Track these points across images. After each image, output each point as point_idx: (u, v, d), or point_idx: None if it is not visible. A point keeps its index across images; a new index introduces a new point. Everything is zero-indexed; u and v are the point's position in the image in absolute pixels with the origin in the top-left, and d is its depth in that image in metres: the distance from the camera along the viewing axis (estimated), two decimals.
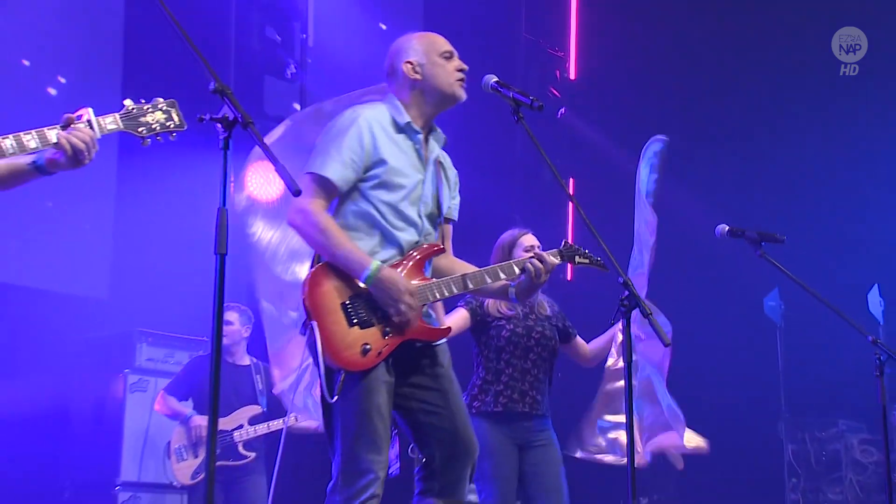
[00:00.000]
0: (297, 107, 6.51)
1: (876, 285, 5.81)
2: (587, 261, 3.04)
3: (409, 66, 2.73)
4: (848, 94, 6.91)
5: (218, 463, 4.20)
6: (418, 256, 2.66)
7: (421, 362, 2.76)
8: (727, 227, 3.65)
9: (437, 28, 3.10)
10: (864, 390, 5.03)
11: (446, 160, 2.88)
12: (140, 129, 2.38)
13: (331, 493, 2.56)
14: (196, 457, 4.76)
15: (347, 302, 2.59)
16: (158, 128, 2.41)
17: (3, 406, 5.01)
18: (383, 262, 2.56)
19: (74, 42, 6.33)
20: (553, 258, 2.85)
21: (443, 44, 2.82)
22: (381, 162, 2.55)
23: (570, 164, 7.17)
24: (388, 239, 2.63)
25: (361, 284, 2.54)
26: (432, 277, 2.72)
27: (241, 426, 4.77)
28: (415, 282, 2.62)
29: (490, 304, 3.73)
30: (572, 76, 7.62)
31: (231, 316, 4.79)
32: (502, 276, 2.81)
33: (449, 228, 2.92)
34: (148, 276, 5.74)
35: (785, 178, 6.99)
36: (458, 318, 3.64)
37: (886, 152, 6.75)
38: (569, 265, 3.47)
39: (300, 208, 2.53)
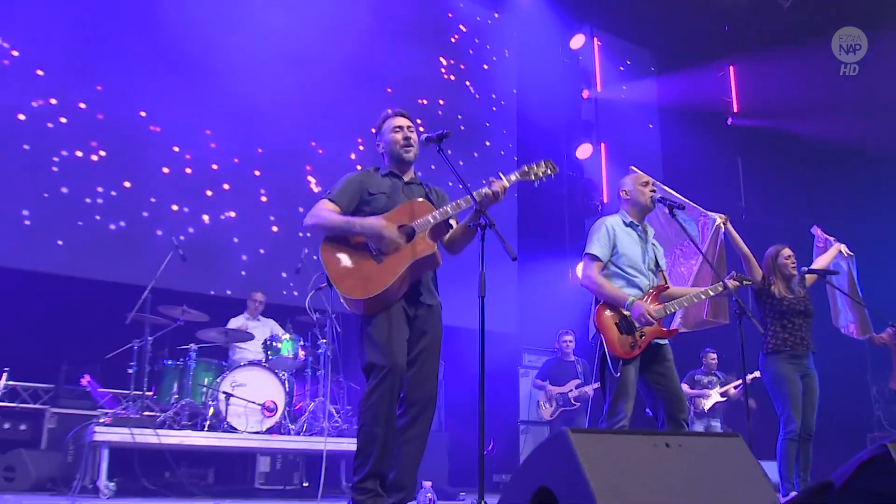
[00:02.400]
0: None
1: None
2: (750, 281, 5.23)
3: (624, 192, 4.74)
4: None
5: (561, 409, 8.45)
6: (654, 292, 4.50)
7: (657, 357, 4.47)
8: (806, 268, 5.90)
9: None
10: None
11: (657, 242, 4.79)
12: (531, 178, 3.91)
13: (601, 421, 4.36)
14: (551, 406, 8.54)
15: (618, 321, 4.42)
16: (542, 175, 3.91)
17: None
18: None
19: None
20: (735, 281, 4.72)
21: (644, 175, 4.77)
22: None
23: None
24: (631, 281, 4.51)
25: (625, 312, 4.36)
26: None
27: (571, 390, 8.54)
28: (653, 305, 4.39)
29: None
30: None
31: (568, 336, 8.85)
32: (711, 293, 4.64)
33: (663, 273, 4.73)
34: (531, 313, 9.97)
35: None
36: None
37: None
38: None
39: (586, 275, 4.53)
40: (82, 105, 8.11)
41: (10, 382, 7.19)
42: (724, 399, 9.04)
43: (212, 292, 8.37)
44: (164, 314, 6.89)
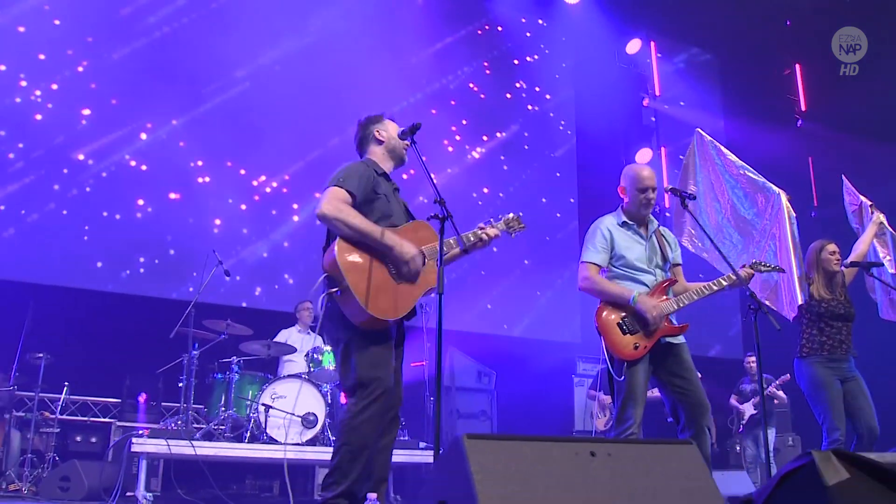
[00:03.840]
0: None
1: None
2: (770, 268, 4.57)
3: (621, 189, 4.41)
4: None
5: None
6: (660, 288, 4.23)
7: (671, 357, 4.16)
8: (849, 262, 5.50)
9: None
10: None
11: (666, 233, 4.51)
12: (509, 230, 4.08)
13: (611, 429, 4.24)
14: (605, 415, 8.34)
15: (620, 322, 4.17)
16: (517, 230, 4.09)
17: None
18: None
19: None
20: (750, 270, 4.40)
21: (645, 179, 4.36)
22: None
23: None
24: (636, 281, 4.27)
25: (629, 309, 4.10)
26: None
27: None
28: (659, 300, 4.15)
29: None
30: None
31: None
32: (716, 287, 4.27)
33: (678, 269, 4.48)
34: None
35: None
36: None
37: None
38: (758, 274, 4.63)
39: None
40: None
41: (82, 397, 7.52)
42: (757, 410, 8.72)
43: (258, 306, 8.52)
44: (210, 328, 7.04)
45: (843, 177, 6.31)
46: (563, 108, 11.31)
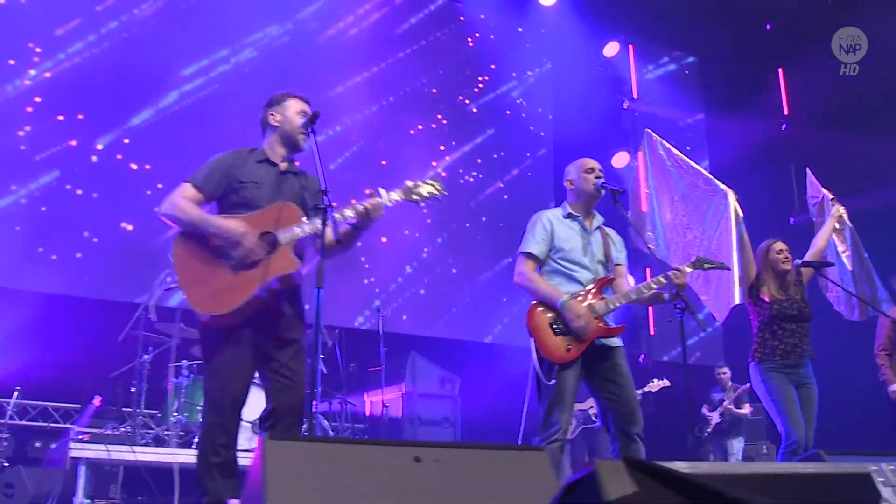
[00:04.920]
0: None
1: None
2: (714, 265, 4.30)
3: (568, 182, 4.34)
4: None
5: (581, 427, 8.09)
6: (595, 287, 4.10)
7: (605, 361, 4.01)
8: (800, 261, 5.28)
9: None
10: None
11: (612, 233, 4.37)
12: (413, 198, 3.53)
13: (536, 433, 3.93)
14: (571, 423, 8.36)
15: (553, 322, 4.00)
16: (427, 195, 3.54)
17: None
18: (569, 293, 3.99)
19: None
20: (687, 268, 4.12)
21: (591, 161, 4.31)
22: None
23: None
24: (571, 277, 4.15)
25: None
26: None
27: (591, 407, 8.05)
28: (595, 301, 4.02)
29: None
30: None
31: None
32: (654, 286, 4.07)
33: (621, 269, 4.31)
34: None
35: None
36: None
37: None
38: (700, 272, 4.57)
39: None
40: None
41: (41, 402, 7.40)
42: (722, 419, 8.66)
43: None
44: (162, 332, 6.93)
45: (808, 169, 6.15)
46: (539, 113, 11.19)
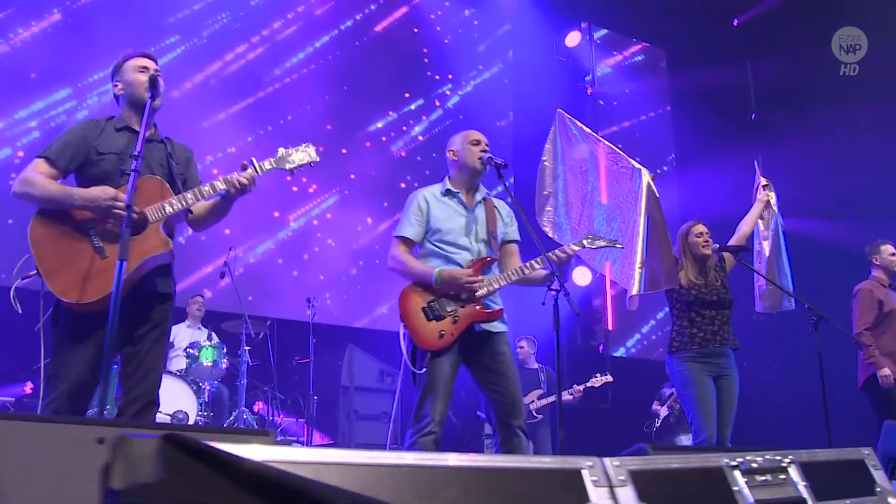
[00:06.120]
0: None
1: None
2: (605, 242, 4.08)
3: (451, 153, 4.08)
4: None
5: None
6: (474, 266, 3.84)
7: (485, 348, 3.79)
8: (717, 245, 5.09)
9: None
10: None
11: (500, 206, 4.13)
12: (287, 166, 3.31)
13: (409, 427, 3.65)
14: None
15: (425, 306, 3.78)
16: (300, 163, 3.33)
17: None
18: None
19: None
20: (573, 248, 3.92)
21: (476, 132, 4.07)
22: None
23: None
24: (449, 259, 3.89)
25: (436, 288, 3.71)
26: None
27: (533, 401, 7.95)
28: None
29: None
30: None
31: (522, 342, 8.26)
32: (537, 266, 3.83)
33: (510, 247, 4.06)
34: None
35: None
36: None
37: None
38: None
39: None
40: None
41: None
42: (670, 413, 8.44)
43: None
44: None
45: (755, 161, 5.99)
46: (499, 104, 11.03)
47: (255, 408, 7.38)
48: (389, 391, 7.98)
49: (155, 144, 3.44)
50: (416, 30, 10.72)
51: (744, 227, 5.43)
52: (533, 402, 7.98)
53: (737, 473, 1.66)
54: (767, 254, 5.46)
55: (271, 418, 7.17)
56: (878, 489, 1.95)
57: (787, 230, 5.60)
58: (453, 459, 1.41)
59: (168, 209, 3.20)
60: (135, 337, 3.23)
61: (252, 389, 7.20)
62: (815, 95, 10.05)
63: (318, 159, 3.44)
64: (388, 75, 10.18)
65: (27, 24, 8.12)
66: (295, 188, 9.15)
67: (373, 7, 10.43)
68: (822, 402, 4.94)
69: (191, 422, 6.42)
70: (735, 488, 1.64)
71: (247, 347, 6.94)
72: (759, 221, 5.58)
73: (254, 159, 3.34)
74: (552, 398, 7.92)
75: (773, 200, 5.64)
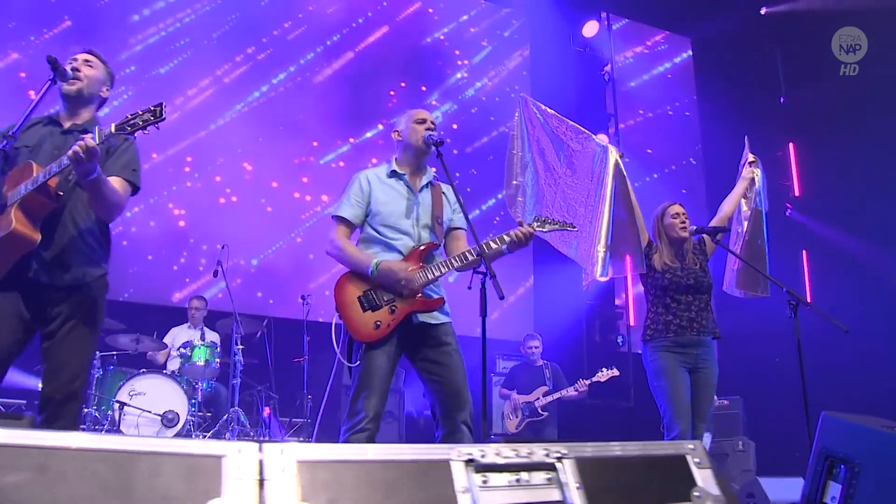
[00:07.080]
0: None
1: None
2: (557, 226, 3.79)
3: (396, 133, 3.93)
4: None
5: (527, 420, 7.75)
6: (416, 253, 3.66)
7: (429, 340, 3.59)
8: (694, 227, 4.81)
9: None
10: None
11: (448, 191, 3.89)
12: (128, 129, 2.96)
13: (342, 423, 3.51)
14: (516, 416, 7.82)
15: (361, 295, 3.60)
16: (142, 123, 2.94)
17: None
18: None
19: None
20: (530, 227, 3.63)
21: (423, 111, 3.92)
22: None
23: None
24: (389, 245, 3.69)
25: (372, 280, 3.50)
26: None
27: (538, 398, 7.82)
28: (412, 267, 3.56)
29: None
30: None
31: (534, 342, 8.14)
32: (469, 257, 3.63)
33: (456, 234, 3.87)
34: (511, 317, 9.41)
35: None
36: None
37: None
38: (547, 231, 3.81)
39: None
40: None
41: None
42: None
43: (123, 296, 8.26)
44: None
45: (745, 138, 5.63)
46: (516, 97, 10.84)
47: (265, 412, 7.29)
48: (393, 390, 7.83)
49: (75, 136, 3.21)
50: (435, 18, 10.60)
51: (725, 208, 5.09)
52: (538, 399, 7.80)
53: (468, 470, 1.43)
54: (747, 236, 5.14)
55: (268, 423, 7.10)
56: (697, 493, 1.73)
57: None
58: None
59: (22, 189, 3.06)
60: (46, 333, 3.15)
61: (246, 389, 7.16)
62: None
63: (163, 117, 2.99)
64: (404, 70, 10.06)
65: (39, 32, 8.28)
66: (297, 194, 9.12)
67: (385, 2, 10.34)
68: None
69: (181, 422, 6.42)
70: (460, 488, 1.40)
71: (240, 347, 6.91)
72: (742, 201, 5.25)
73: (97, 128, 3.04)
74: (558, 395, 7.74)
75: (759, 178, 5.30)
